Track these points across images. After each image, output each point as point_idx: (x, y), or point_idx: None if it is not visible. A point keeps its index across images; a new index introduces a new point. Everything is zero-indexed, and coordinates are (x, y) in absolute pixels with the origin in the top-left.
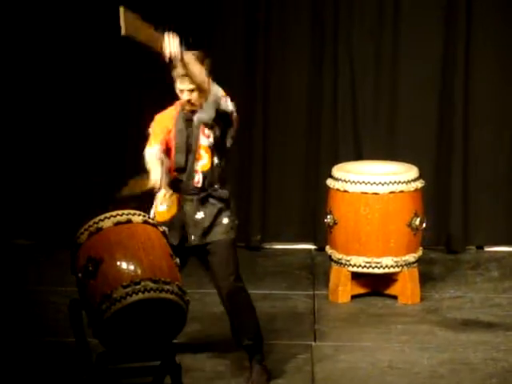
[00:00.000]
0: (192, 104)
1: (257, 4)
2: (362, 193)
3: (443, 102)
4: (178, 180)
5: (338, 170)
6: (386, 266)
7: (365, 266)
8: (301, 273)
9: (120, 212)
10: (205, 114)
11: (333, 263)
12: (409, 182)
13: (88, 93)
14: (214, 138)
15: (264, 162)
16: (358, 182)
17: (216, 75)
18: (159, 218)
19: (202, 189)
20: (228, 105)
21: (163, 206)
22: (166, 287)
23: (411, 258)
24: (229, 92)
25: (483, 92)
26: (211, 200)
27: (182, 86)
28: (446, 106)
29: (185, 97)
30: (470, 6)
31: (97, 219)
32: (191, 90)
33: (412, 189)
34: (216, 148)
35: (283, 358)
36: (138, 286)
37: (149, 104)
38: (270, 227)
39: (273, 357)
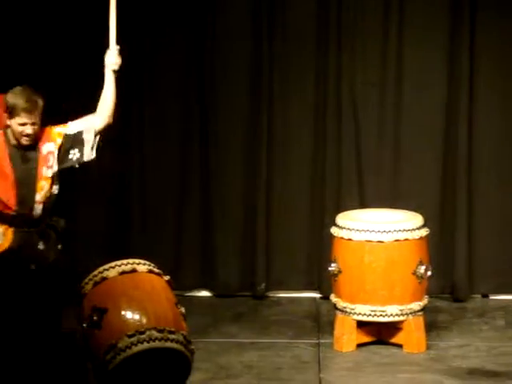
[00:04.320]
0: (30, 138)
1: (260, 55)
2: (367, 241)
3: (447, 150)
4: (10, 213)
5: (343, 219)
6: (391, 315)
7: (370, 315)
8: (305, 321)
9: (125, 261)
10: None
11: (337, 312)
12: (413, 229)
13: None
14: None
15: (268, 210)
16: (363, 230)
17: (222, 118)
18: None
19: (42, 220)
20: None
21: None
22: (171, 336)
23: (416, 306)
24: (234, 139)
25: (487, 139)
26: (49, 231)
27: (25, 120)
28: (449, 153)
29: (27, 130)
30: (472, 56)
31: (101, 269)
32: (33, 124)
33: (417, 237)
34: (56, 176)
35: None
36: (142, 336)
37: None
38: (274, 275)
39: None
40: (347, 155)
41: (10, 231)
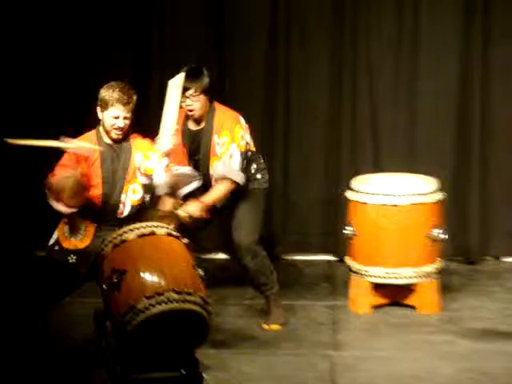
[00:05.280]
0: (122, 132)
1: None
2: (382, 205)
3: (461, 116)
4: (95, 210)
5: (358, 182)
6: (406, 277)
7: (384, 277)
8: (321, 284)
9: (144, 224)
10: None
11: (352, 274)
12: (428, 193)
13: None
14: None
15: (285, 173)
16: (378, 193)
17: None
18: (70, 246)
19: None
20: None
21: (77, 236)
22: (189, 298)
23: (430, 268)
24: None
25: (499, 105)
26: None
27: (118, 113)
28: (463, 119)
29: (119, 124)
30: (486, 24)
31: (121, 231)
32: (125, 118)
33: (432, 200)
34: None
35: (303, 367)
36: (161, 297)
37: None
38: (290, 238)
39: (293, 366)
40: (362, 120)
41: (93, 227)
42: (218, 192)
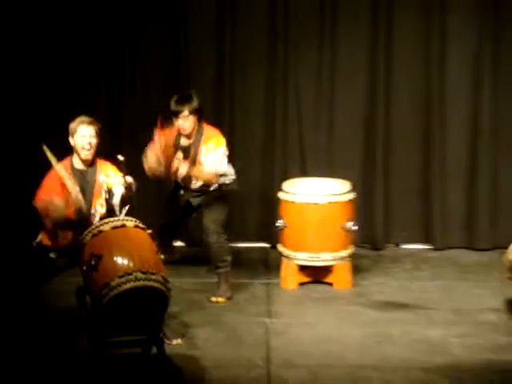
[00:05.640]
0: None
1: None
2: (306, 203)
3: (367, 135)
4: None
5: (287, 185)
6: (325, 260)
7: (307, 260)
8: (258, 266)
9: (116, 219)
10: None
11: (283, 258)
12: (343, 194)
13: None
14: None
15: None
16: (303, 194)
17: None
18: (51, 246)
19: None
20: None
21: (56, 240)
22: (153, 277)
23: (344, 253)
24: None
25: (398, 128)
26: None
27: (84, 133)
28: (369, 137)
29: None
30: (388, 48)
31: (98, 223)
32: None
33: (346, 199)
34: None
35: (244, 331)
36: (130, 276)
37: None
38: (234, 229)
39: (236, 331)
40: (292, 137)
41: (70, 234)
42: (206, 171)
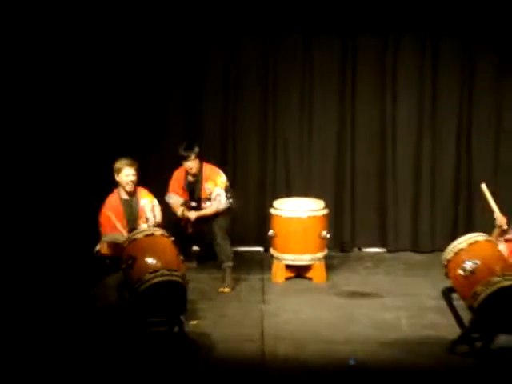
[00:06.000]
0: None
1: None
2: (291, 217)
3: (338, 163)
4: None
5: (277, 203)
6: (305, 260)
7: (292, 260)
8: (255, 264)
9: (147, 229)
10: None
11: (274, 259)
12: (319, 210)
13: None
14: None
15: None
16: (288, 210)
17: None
18: (107, 254)
19: None
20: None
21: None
22: (175, 273)
23: (320, 255)
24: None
25: (362, 157)
26: None
27: (128, 172)
28: (340, 164)
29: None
30: (354, 86)
31: (134, 233)
32: (133, 175)
33: (321, 214)
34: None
35: (243, 315)
36: (158, 273)
37: None
38: (237, 236)
39: (235, 315)
40: (280, 170)
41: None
42: (210, 210)
